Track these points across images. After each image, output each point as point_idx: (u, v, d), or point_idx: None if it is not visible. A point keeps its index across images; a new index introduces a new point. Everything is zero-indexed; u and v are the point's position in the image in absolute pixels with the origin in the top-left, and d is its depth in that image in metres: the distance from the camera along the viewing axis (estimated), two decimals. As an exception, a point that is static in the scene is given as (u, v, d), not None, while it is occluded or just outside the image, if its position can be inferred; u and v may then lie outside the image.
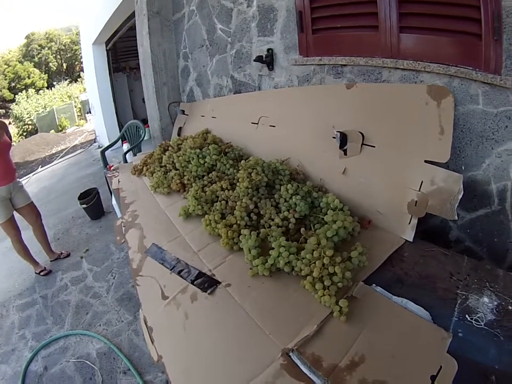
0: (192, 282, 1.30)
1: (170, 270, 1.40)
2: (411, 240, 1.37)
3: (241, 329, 1.08)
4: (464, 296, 1.06)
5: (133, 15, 4.67)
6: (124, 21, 5.42)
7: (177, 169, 2.07)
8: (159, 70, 3.10)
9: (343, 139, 1.68)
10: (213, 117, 2.69)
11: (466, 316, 0.99)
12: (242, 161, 1.75)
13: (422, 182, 1.37)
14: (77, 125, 15.63)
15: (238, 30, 2.47)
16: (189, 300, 1.22)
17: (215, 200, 1.71)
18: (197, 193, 1.70)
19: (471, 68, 1.41)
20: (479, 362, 0.86)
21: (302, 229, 1.39)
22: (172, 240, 1.59)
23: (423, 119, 1.42)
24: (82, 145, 10.47)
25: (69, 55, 26.68)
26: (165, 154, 2.25)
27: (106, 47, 7.05)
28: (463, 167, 1.50)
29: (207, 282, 1.29)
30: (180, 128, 3.05)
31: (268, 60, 2.25)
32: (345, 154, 1.68)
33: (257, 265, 1.27)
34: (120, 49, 7.84)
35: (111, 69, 7.30)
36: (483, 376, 0.83)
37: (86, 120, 14.88)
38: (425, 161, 1.38)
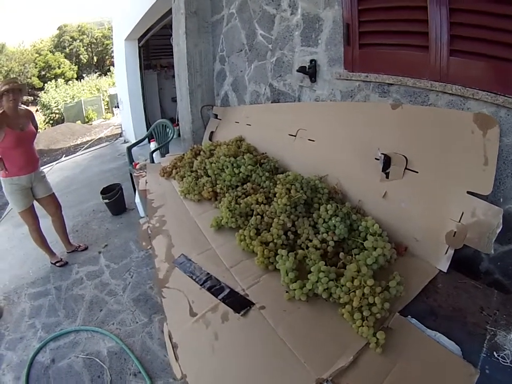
0: (223, 301, 1.25)
1: (201, 285, 1.35)
2: (445, 271, 1.35)
3: (274, 355, 1.04)
4: (492, 332, 1.06)
5: (167, 14, 4.74)
6: (158, 19, 5.41)
7: (209, 176, 2.03)
8: (194, 71, 3.07)
9: (387, 161, 1.63)
10: (247, 124, 2.64)
11: (494, 352, 0.99)
12: (281, 175, 1.69)
13: (462, 213, 1.34)
14: (104, 118, 15.93)
15: (280, 37, 2.42)
16: (219, 320, 1.18)
17: (250, 213, 1.65)
18: (230, 204, 1.65)
19: None
20: None
21: (342, 254, 1.34)
22: (202, 253, 1.54)
23: (468, 148, 1.39)
24: (107, 139, 10.60)
25: (100, 49, 27.31)
26: (197, 159, 2.21)
27: (138, 43, 7.12)
28: (501, 199, 1.45)
29: (240, 303, 1.23)
30: (212, 133, 3.02)
31: (311, 71, 2.18)
32: (387, 177, 1.63)
33: (294, 289, 1.22)
34: (152, 47, 7.92)
35: (142, 66, 7.37)
36: None
37: (113, 114, 15.12)
38: (468, 192, 1.35)
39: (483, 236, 1.27)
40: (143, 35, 6.78)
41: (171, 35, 3.44)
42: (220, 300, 1.26)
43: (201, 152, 2.31)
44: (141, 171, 2.78)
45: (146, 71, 7.73)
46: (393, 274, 1.21)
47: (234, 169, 1.90)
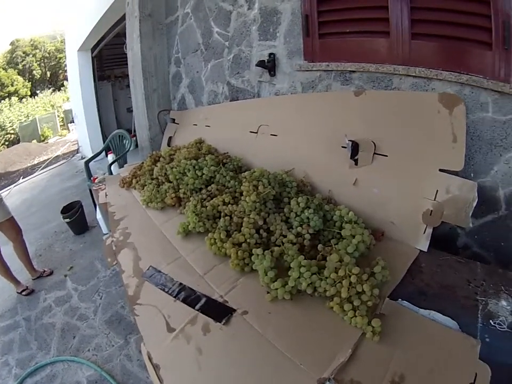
0: (202, 311, 1.15)
1: (174, 297, 1.24)
2: (426, 250, 1.34)
3: (266, 362, 0.96)
4: (484, 302, 1.08)
5: (120, 21, 4.60)
6: (111, 27, 5.26)
7: (170, 182, 1.90)
8: (149, 75, 2.95)
9: (354, 148, 1.60)
10: (206, 126, 2.54)
11: (490, 320, 1.01)
12: (247, 173, 1.60)
13: (437, 191, 1.35)
14: (60, 135, 15.26)
15: (237, 33, 2.35)
16: (200, 332, 1.08)
17: (217, 216, 1.55)
18: (196, 208, 1.54)
19: (481, 76, 1.44)
20: (510, 365, 0.88)
21: (320, 245, 1.27)
22: (172, 262, 1.43)
23: (435, 127, 1.40)
24: (64, 156, 10.20)
25: (53, 63, 26.20)
26: (156, 166, 2.09)
27: (92, 53, 6.88)
28: (472, 174, 1.51)
29: (219, 311, 1.14)
30: (170, 138, 2.90)
31: (270, 65, 2.13)
32: (356, 164, 1.60)
33: (276, 289, 1.14)
34: (105, 57, 7.65)
35: (96, 77, 7.11)
36: None
37: (69, 130, 14.55)
38: (440, 170, 1.36)
39: (460, 211, 1.29)
40: (96, 45, 6.57)
41: (124, 43, 3.35)
42: (198, 310, 1.16)
43: (161, 159, 2.19)
44: (100, 184, 2.62)
45: (100, 82, 7.45)
46: (376, 260, 1.15)
47: (197, 171, 1.79)
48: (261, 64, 2.12)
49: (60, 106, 18.42)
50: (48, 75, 26.48)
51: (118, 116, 8.26)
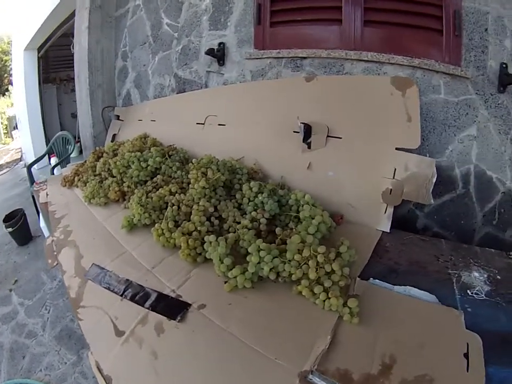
0: (153, 309, 1.02)
1: (121, 295, 1.10)
2: (388, 230, 1.32)
3: (235, 360, 0.85)
4: (456, 275, 1.09)
5: (69, 19, 4.33)
6: (59, 25, 4.99)
7: (114, 177, 1.75)
8: (95, 70, 2.76)
9: (307, 131, 1.56)
10: (152, 120, 2.39)
11: (467, 291, 1.02)
12: (194, 160, 1.49)
13: (395, 169, 1.34)
14: (3, 143, 14.19)
15: (187, 24, 2.26)
16: (153, 333, 0.94)
17: (164, 207, 1.42)
18: (141, 199, 1.40)
19: (433, 60, 1.52)
20: (496, 331, 0.88)
21: (278, 229, 1.19)
22: (116, 258, 1.28)
23: (389, 108, 1.41)
24: (8, 165, 9.46)
25: (-2, 66, 24.41)
26: (100, 162, 1.92)
27: (38, 53, 6.43)
28: (427, 155, 1.52)
29: (173, 307, 1.02)
30: (114, 136, 2.71)
31: (219, 54, 2.06)
32: (309, 147, 1.56)
33: (235, 277, 1.04)
34: (51, 58, 7.14)
35: (41, 79, 6.65)
36: (506, 342, 0.84)
37: (13, 138, 13.57)
38: (396, 149, 1.36)
39: (420, 187, 1.29)
40: (43, 44, 6.15)
41: (72, 43, 3.16)
42: (148, 308, 1.02)
43: (104, 154, 2.02)
44: (41, 185, 2.39)
45: (45, 85, 6.96)
46: (341, 240, 1.08)
47: (141, 163, 1.64)
48: (210, 52, 2.04)
49: (4, 112, 17.15)
50: (-7, 79, 24.57)
51: (62, 121, 7.69)
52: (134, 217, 1.37)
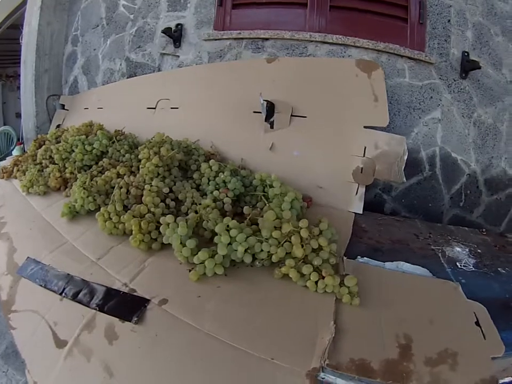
0: (100, 309, 0.83)
1: (60, 294, 0.90)
2: (361, 212, 1.26)
3: (219, 368, 0.69)
4: (440, 250, 1.08)
5: (16, 10, 3.95)
6: (7, 16, 4.49)
7: (56, 164, 1.54)
8: (43, 54, 2.49)
9: (270, 109, 1.45)
10: (99, 108, 2.17)
11: (456, 263, 1.01)
12: (145, 140, 1.32)
13: (365, 147, 1.30)
14: None
15: (145, 5, 2.09)
16: (104, 341, 0.76)
17: (111, 192, 1.22)
18: (84, 183, 1.21)
19: (398, 45, 1.55)
20: (493, 298, 0.88)
21: (246, 208, 1.05)
22: (55, 250, 1.08)
23: (354, 89, 1.38)
24: None
25: None
26: (41, 149, 1.69)
27: (-17, 47, 5.88)
28: None
29: (126, 305, 0.83)
30: (58, 126, 2.44)
31: (176, 35, 1.90)
32: (272, 127, 1.47)
33: (202, 262, 0.87)
34: (-2, 52, 6.63)
35: (-14, 75, 6.10)
36: (507, 307, 0.85)
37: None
38: (365, 127, 1.32)
39: (392, 166, 1.25)
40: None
41: (21, 35, 2.84)
42: (94, 308, 0.84)
43: (46, 142, 1.79)
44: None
45: (-10, 82, 6.43)
46: (318, 218, 0.95)
47: (86, 146, 1.44)
48: (167, 31, 1.89)
49: None
50: None
51: (7, 121, 7.13)
52: (76, 203, 1.18)
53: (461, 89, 1.62)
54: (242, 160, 1.44)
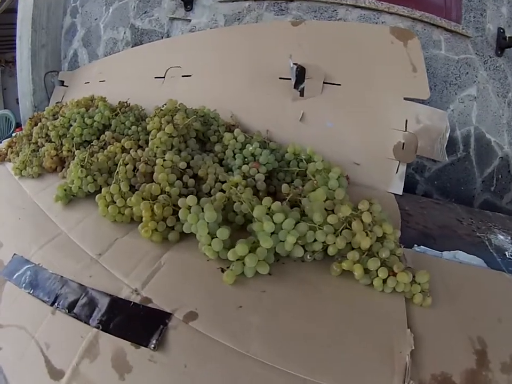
0: (104, 327, 0.60)
1: (52, 304, 0.68)
2: (400, 193, 1.13)
3: None
4: (486, 238, 0.97)
5: None
6: (1, 1, 4.26)
7: (53, 142, 1.31)
8: (40, 28, 2.26)
9: (300, 74, 1.23)
10: (100, 81, 1.94)
11: (505, 253, 0.90)
12: (155, 108, 1.07)
13: (406, 120, 1.16)
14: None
15: (152, -34, 1.85)
16: (112, 374, 0.54)
17: (114, 169, 0.97)
18: (83, 161, 0.97)
19: (434, 15, 1.44)
20: None
21: (285, 186, 0.81)
22: (46, 244, 0.85)
23: (390, 57, 1.24)
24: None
25: None
26: (36, 127, 1.47)
27: (-20, 31, 5.67)
28: None
29: (139, 321, 0.61)
30: (58, 104, 2.22)
31: (187, -4, 1.65)
32: (302, 95, 1.26)
33: (239, 258, 0.65)
34: (-4, 37, 6.41)
35: (-16, 61, 5.90)
36: None
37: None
38: (405, 99, 1.18)
39: (435, 142, 1.14)
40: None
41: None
42: (97, 326, 0.61)
43: (43, 119, 1.56)
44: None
45: (-12, 67, 6.22)
46: (369, 200, 0.73)
47: (86, 119, 1.20)
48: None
49: None
50: None
51: (7, 107, 6.94)
52: (73, 184, 0.94)
53: (496, 66, 1.52)
54: (268, 131, 1.21)
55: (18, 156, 1.42)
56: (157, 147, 0.91)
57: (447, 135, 1.15)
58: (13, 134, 3.18)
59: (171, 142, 0.91)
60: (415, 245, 0.84)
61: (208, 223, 0.68)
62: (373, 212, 0.69)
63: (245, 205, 0.73)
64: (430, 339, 0.58)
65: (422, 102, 1.20)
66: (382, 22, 1.46)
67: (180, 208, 0.74)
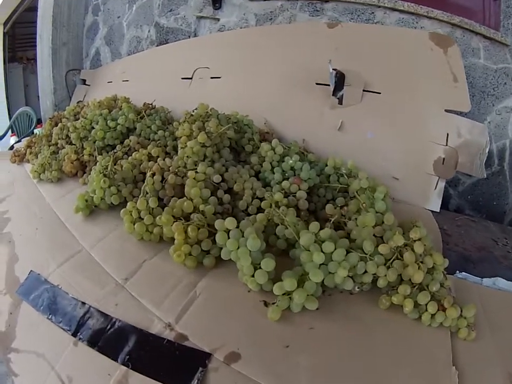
0: (135, 366, 0.52)
1: (74, 334, 0.61)
2: (438, 210, 1.05)
3: None
4: None
5: None
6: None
7: (73, 145, 1.23)
8: (60, 26, 2.21)
9: (340, 81, 1.13)
10: (124, 81, 1.87)
11: None
12: (184, 113, 0.98)
13: (447, 134, 1.08)
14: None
15: (175, -37, 1.77)
16: None
17: (140, 179, 0.90)
18: (106, 169, 0.89)
19: (473, 21, 1.37)
20: None
21: (329, 206, 0.73)
22: (65, 262, 0.77)
23: (430, 65, 1.16)
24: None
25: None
26: (56, 128, 1.40)
27: (4, 29, 5.72)
28: None
29: (175, 362, 0.52)
30: (79, 103, 2.17)
31: (216, -7, 1.56)
32: (340, 102, 1.17)
33: (287, 293, 0.58)
34: (19, 36, 6.44)
35: (6, 58, 5.94)
36: None
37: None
38: (446, 111, 1.10)
39: (475, 158, 1.07)
40: (9, 18, 5.44)
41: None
42: (126, 364, 0.53)
43: (63, 120, 1.48)
44: (-13, 163, 1.86)
45: (11, 64, 6.24)
46: (413, 223, 0.69)
47: (109, 122, 1.12)
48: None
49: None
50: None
51: (29, 103, 6.97)
52: (95, 194, 0.86)
53: (534, 78, 1.43)
54: (304, 141, 1.12)
55: (37, 157, 1.35)
56: (187, 157, 0.82)
57: (487, 150, 1.08)
58: (34, 131, 3.17)
59: (204, 152, 0.81)
60: (457, 271, 0.79)
61: (251, 251, 0.59)
62: (423, 240, 0.63)
63: (289, 230, 0.64)
64: (472, 375, 0.54)
65: (460, 113, 1.13)
66: (421, 27, 1.38)
67: (215, 229, 0.65)
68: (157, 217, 0.71)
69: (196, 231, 0.65)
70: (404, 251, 0.61)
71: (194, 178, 0.75)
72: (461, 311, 0.58)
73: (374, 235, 0.65)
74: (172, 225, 0.66)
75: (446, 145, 1.07)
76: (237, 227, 0.63)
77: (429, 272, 0.61)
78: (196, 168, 0.78)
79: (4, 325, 0.69)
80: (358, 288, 0.63)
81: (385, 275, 0.60)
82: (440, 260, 0.62)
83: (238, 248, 0.60)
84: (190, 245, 0.66)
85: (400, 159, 1.11)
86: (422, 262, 0.61)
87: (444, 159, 1.07)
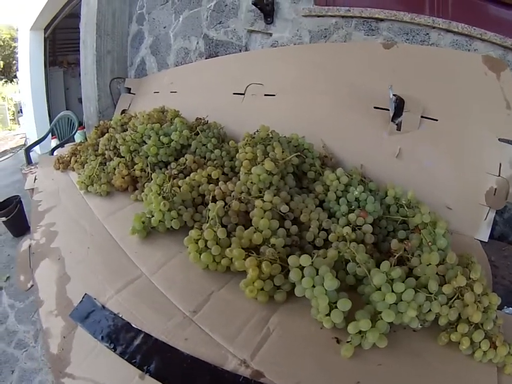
0: None
1: (140, 367, 0.58)
2: (486, 240, 1.02)
3: None
4: None
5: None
6: (66, 3, 4.55)
7: (122, 157, 1.22)
8: (105, 34, 2.23)
9: (399, 107, 1.10)
10: (172, 92, 1.85)
11: None
12: (245, 134, 0.96)
13: (500, 164, 1.04)
14: (9, 129, 13.68)
15: (224, -26, 1.73)
16: None
17: (200, 202, 0.88)
18: (162, 189, 0.87)
19: None
20: None
21: (394, 242, 0.71)
22: (124, 287, 0.75)
23: (484, 90, 1.11)
24: (12, 150, 8.98)
25: (7, 53, 23.87)
26: (103, 138, 1.40)
27: (44, 34, 5.94)
28: None
29: None
30: (124, 112, 2.18)
31: (268, 9, 1.53)
32: (399, 129, 1.13)
33: (361, 333, 0.58)
34: (59, 41, 6.68)
35: (47, 62, 6.17)
36: None
37: (19, 123, 13.10)
38: (499, 140, 1.06)
39: None
40: (50, 24, 5.63)
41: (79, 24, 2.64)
42: None
43: (110, 129, 1.49)
44: (32, 167, 1.91)
45: (52, 68, 6.46)
46: (467, 257, 0.71)
47: (162, 137, 1.10)
48: (258, 2, 1.51)
49: (11, 98, 16.60)
50: (1, 65, 24.18)
51: (69, 106, 7.16)
52: (153, 216, 0.83)
53: None
54: (362, 166, 1.08)
55: (83, 166, 1.35)
56: (251, 182, 0.78)
57: None
58: (76, 135, 3.24)
59: (270, 180, 0.77)
60: (505, 307, 0.76)
61: (328, 291, 0.59)
62: (480, 279, 0.64)
63: (361, 269, 0.63)
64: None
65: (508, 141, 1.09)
66: (475, 50, 1.33)
67: (287, 263, 0.63)
68: (226, 249, 0.67)
69: (269, 266, 0.62)
70: (465, 291, 0.62)
71: (261, 208, 0.72)
72: (509, 347, 0.59)
73: (437, 273, 0.65)
74: (244, 259, 0.63)
75: (499, 175, 1.04)
76: (312, 264, 0.61)
77: (485, 311, 0.62)
78: (262, 196, 0.75)
79: (56, 348, 0.66)
80: (421, 325, 0.64)
81: (447, 314, 0.61)
82: (496, 300, 0.63)
83: (313, 286, 0.59)
84: (263, 280, 0.63)
85: (454, 188, 1.08)
86: (479, 302, 0.62)
87: (495, 189, 1.03)
